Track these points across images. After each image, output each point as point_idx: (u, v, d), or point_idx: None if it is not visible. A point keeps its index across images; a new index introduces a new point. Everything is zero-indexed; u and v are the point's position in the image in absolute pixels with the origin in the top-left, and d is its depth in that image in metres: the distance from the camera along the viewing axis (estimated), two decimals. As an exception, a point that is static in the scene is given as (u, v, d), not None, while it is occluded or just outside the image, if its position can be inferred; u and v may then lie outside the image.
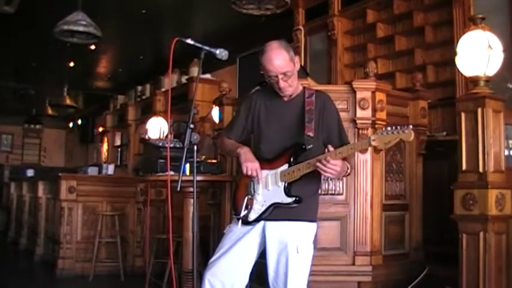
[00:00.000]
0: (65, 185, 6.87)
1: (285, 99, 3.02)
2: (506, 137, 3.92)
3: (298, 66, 2.98)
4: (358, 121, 4.26)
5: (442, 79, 5.58)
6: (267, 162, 2.96)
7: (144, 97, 10.80)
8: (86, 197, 6.96)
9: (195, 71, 9.02)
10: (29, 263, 7.83)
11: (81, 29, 5.66)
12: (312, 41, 7.13)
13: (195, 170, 3.09)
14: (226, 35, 8.16)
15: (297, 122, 2.95)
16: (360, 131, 4.26)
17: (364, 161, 4.27)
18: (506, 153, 3.91)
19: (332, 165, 2.67)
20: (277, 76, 2.88)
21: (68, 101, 11.56)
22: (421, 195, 4.75)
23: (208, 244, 5.43)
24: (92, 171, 8.33)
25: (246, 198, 2.98)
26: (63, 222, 6.82)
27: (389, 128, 2.53)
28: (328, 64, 6.78)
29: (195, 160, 3.01)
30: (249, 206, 2.96)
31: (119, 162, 11.80)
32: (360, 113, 4.27)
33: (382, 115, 4.32)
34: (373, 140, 2.57)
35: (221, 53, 3.25)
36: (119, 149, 12.05)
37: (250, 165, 2.93)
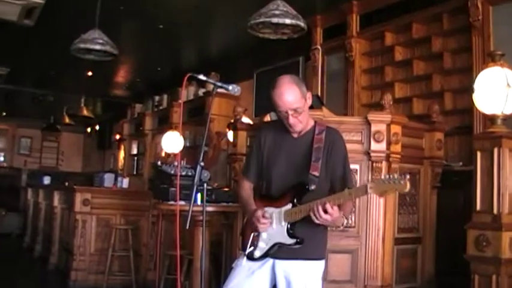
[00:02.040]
0: (79, 198, 6.92)
1: (295, 135, 2.96)
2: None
3: (310, 102, 2.93)
4: (372, 154, 4.22)
5: (459, 107, 5.50)
6: (273, 200, 2.93)
7: (161, 107, 10.84)
8: (100, 210, 7.01)
9: (212, 84, 8.99)
10: (42, 271, 7.89)
11: (97, 47, 5.68)
12: (329, 61, 7.08)
13: (204, 214, 3.07)
14: (244, 50, 8.16)
15: (304, 160, 2.89)
16: (374, 164, 4.22)
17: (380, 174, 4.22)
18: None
19: (328, 214, 2.62)
20: (287, 112, 2.82)
21: (85, 112, 11.65)
22: (434, 227, 4.70)
23: (221, 262, 5.44)
24: (108, 177, 8.39)
25: (252, 235, 2.96)
26: (77, 234, 6.87)
27: (387, 177, 2.48)
28: (345, 86, 6.72)
29: (204, 204, 2.99)
30: (255, 243, 2.95)
31: (135, 171, 11.87)
32: (374, 145, 4.23)
33: (397, 148, 4.27)
34: (370, 188, 2.52)
35: (233, 89, 3.21)
36: (135, 158, 12.11)
37: (260, 226, 2.90)
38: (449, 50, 5.71)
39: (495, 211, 3.61)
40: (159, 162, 5.07)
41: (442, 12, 5.72)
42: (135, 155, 12.20)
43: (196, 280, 4.33)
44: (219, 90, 8.40)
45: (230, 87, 3.21)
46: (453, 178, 4.96)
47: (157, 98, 10.94)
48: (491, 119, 3.81)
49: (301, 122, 2.89)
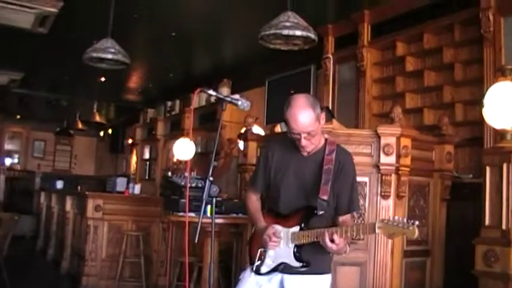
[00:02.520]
0: (91, 203, 6.99)
1: (305, 154, 2.92)
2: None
3: (323, 123, 2.89)
4: (381, 167, 4.22)
5: (470, 118, 5.48)
6: (281, 218, 2.95)
7: (173, 113, 10.90)
8: (111, 216, 7.09)
9: (224, 91, 9.06)
10: (55, 275, 7.98)
11: (109, 56, 5.72)
12: (340, 70, 7.08)
13: (213, 227, 3.10)
14: (256, 57, 8.17)
15: (313, 181, 2.88)
16: (383, 177, 4.22)
17: (387, 207, 4.24)
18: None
19: (334, 244, 2.65)
20: (300, 134, 2.79)
21: (98, 118, 11.74)
22: (443, 240, 4.69)
23: (231, 269, 5.48)
24: (121, 182, 8.47)
25: (260, 251, 2.97)
26: (89, 239, 6.95)
27: (396, 219, 2.49)
28: (356, 95, 6.71)
29: (213, 219, 3.02)
30: (262, 258, 2.97)
31: (147, 176, 11.92)
32: (383, 158, 4.22)
33: (406, 161, 4.27)
34: (379, 228, 2.53)
35: (243, 104, 3.16)
36: (147, 162, 12.17)
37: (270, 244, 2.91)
38: (461, 61, 5.69)
39: (504, 226, 3.60)
40: (169, 173, 5.11)
41: (454, 23, 5.70)
42: (147, 160, 12.27)
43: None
44: (231, 96, 8.44)
45: (239, 103, 3.16)
46: (463, 190, 4.95)
47: (169, 103, 11.01)
48: (501, 134, 3.80)
49: (313, 144, 2.87)
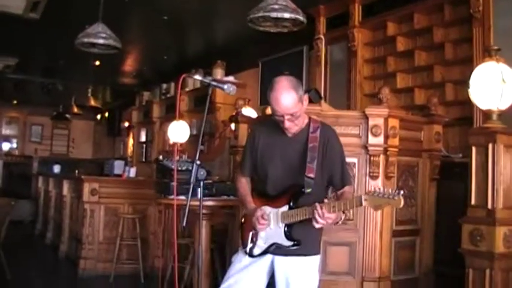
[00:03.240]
0: (87, 187, 7.00)
1: (289, 134, 2.97)
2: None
3: (306, 104, 2.93)
4: (370, 148, 4.26)
5: (460, 98, 5.49)
6: (270, 200, 2.99)
7: (168, 95, 10.90)
8: (108, 199, 7.09)
9: (218, 72, 9.07)
10: (53, 259, 8.02)
11: (101, 41, 5.74)
12: (332, 50, 7.08)
13: (201, 210, 3.14)
14: (249, 38, 8.15)
15: (299, 160, 2.92)
16: (372, 158, 4.27)
17: (375, 187, 4.27)
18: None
19: (326, 218, 2.68)
20: (283, 116, 2.83)
21: (93, 102, 11.75)
22: (433, 219, 4.75)
23: (224, 249, 5.52)
24: (118, 165, 8.49)
25: (251, 233, 3.02)
26: (86, 223, 6.98)
27: (381, 191, 2.52)
28: (347, 76, 6.73)
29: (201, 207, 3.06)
30: (254, 240, 3.01)
31: (143, 159, 11.95)
32: (372, 139, 4.27)
33: (394, 142, 4.32)
34: (365, 200, 2.56)
35: (228, 88, 3.22)
36: (144, 145, 12.20)
37: (259, 226, 2.96)
38: (451, 40, 5.69)
39: (489, 206, 3.63)
40: (160, 157, 5.14)
41: (443, 3, 5.69)
42: (143, 143, 12.29)
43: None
44: (225, 78, 8.48)
45: (225, 87, 3.22)
46: (453, 169, 4.98)
47: (164, 86, 10.98)
48: (486, 114, 3.82)
49: (296, 125, 2.91)
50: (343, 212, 2.79)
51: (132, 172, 8.01)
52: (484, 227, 3.62)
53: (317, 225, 2.72)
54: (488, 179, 3.65)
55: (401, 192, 2.45)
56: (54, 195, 9.34)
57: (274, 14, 4.75)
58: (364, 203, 2.58)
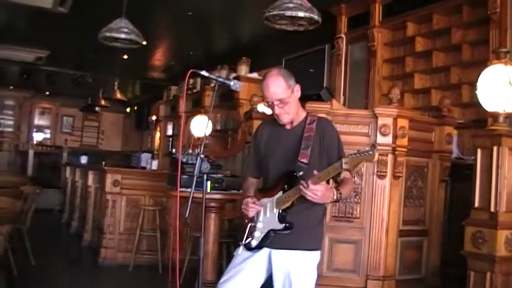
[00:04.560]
0: (110, 178, 7.14)
1: (288, 127, 3.07)
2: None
3: (298, 95, 3.02)
4: (378, 147, 4.24)
5: (476, 100, 5.45)
6: (268, 191, 3.06)
7: (194, 90, 10.99)
8: (129, 191, 7.22)
9: (242, 69, 9.12)
10: (77, 247, 8.22)
11: (123, 36, 5.88)
12: (352, 49, 7.11)
13: (204, 203, 3.23)
14: (273, 36, 8.18)
15: (295, 149, 3.00)
16: (380, 157, 4.26)
17: (382, 186, 4.31)
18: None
19: (312, 190, 2.71)
20: (273, 103, 2.96)
21: (119, 95, 11.92)
22: (441, 220, 4.74)
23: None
24: (145, 157, 8.65)
25: (249, 226, 3.10)
26: (108, 213, 7.12)
27: (360, 150, 2.60)
28: (366, 75, 6.75)
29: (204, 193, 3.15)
30: (252, 233, 3.08)
31: (170, 152, 12.09)
32: (380, 139, 4.30)
33: (403, 142, 4.33)
34: (345, 163, 2.62)
35: (235, 85, 3.32)
36: (170, 139, 12.34)
37: (249, 210, 3.05)
38: (469, 42, 5.67)
39: (492, 209, 3.64)
40: (173, 150, 5.23)
41: (462, 4, 5.68)
42: (170, 136, 12.43)
43: (206, 261, 4.52)
44: (249, 75, 8.50)
45: (232, 83, 3.32)
46: (465, 171, 4.96)
47: (191, 81, 11.08)
48: (493, 117, 3.82)
49: (287, 113, 3.00)
50: (337, 189, 2.85)
51: (154, 165, 8.14)
52: (486, 229, 3.63)
53: (308, 197, 2.74)
54: (492, 181, 3.66)
55: (378, 147, 2.54)
56: (80, 185, 9.52)
57: (288, 13, 4.81)
58: (344, 165, 2.63)
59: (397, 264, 4.42)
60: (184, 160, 4.46)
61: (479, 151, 3.77)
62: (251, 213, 3.04)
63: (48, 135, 17.84)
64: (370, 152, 2.57)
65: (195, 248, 5.98)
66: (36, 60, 10.79)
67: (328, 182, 3.05)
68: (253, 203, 3.02)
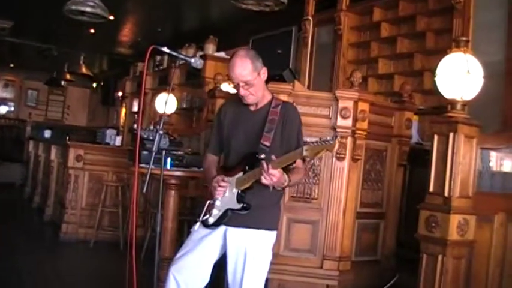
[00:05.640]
0: (72, 153, 7.12)
1: (252, 108, 3.09)
2: (481, 161, 3.94)
3: (264, 77, 3.03)
4: (338, 129, 4.31)
5: (435, 87, 5.55)
6: (229, 170, 3.08)
7: (161, 67, 10.93)
8: (92, 166, 7.21)
9: (210, 48, 9.10)
10: (38, 222, 8.17)
11: (88, 9, 5.81)
12: (319, 32, 7.13)
13: (162, 179, 3.24)
14: (242, 16, 8.18)
15: (258, 131, 3.02)
16: (340, 140, 4.30)
17: (341, 168, 4.36)
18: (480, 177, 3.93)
19: (270, 174, 2.73)
20: (238, 84, 2.96)
21: (84, 70, 11.76)
22: (398, 204, 4.83)
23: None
24: (110, 133, 8.60)
25: (208, 203, 3.12)
26: (69, 188, 7.09)
27: (321, 139, 2.62)
28: (332, 58, 6.78)
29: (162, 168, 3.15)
30: (210, 210, 3.10)
31: (135, 129, 12.01)
32: (340, 121, 4.33)
33: (363, 125, 4.37)
34: (306, 150, 2.64)
35: (196, 62, 3.34)
36: (136, 116, 12.26)
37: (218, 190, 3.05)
38: (433, 30, 5.74)
39: (446, 194, 3.70)
40: (134, 126, 5.20)
41: (428, -9, 5.74)
42: (135, 113, 12.34)
43: (165, 238, 4.54)
44: (216, 54, 8.48)
45: (193, 60, 3.35)
46: (425, 157, 5.05)
47: (158, 58, 11.01)
48: (451, 104, 3.89)
49: (252, 95, 3.00)
50: (288, 176, 2.87)
51: (118, 141, 8.11)
52: (439, 214, 3.68)
53: (264, 181, 2.77)
54: (447, 167, 3.71)
55: (338, 137, 2.53)
56: (43, 160, 9.44)
57: (252, -7, 4.80)
58: (304, 153, 2.66)
59: (353, 246, 4.49)
60: (145, 136, 4.44)
61: (436, 137, 3.82)
62: (220, 193, 3.04)
63: (12, 108, 17.55)
64: (331, 142, 2.59)
65: (156, 224, 6.02)
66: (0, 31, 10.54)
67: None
68: (223, 180, 3.03)
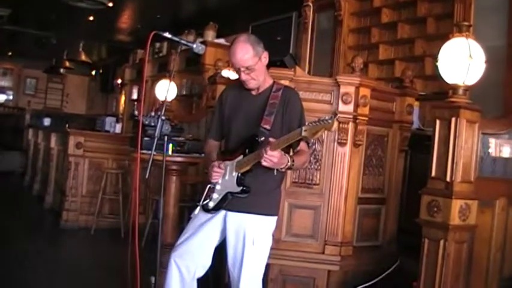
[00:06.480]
0: (72, 141, 7.13)
1: (253, 92, 3.11)
2: (482, 147, 3.94)
3: (265, 62, 3.05)
4: (339, 115, 4.27)
5: (437, 72, 5.54)
6: (229, 154, 3.10)
7: (160, 54, 10.91)
8: (92, 153, 7.24)
9: (209, 34, 9.08)
10: (38, 210, 8.17)
11: (88, -4, 5.76)
12: (319, 18, 7.09)
13: (164, 165, 3.24)
14: (241, 2, 8.18)
15: (259, 115, 3.03)
16: (341, 125, 4.28)
17: (343, 153, 4.33)
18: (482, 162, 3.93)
19: (269, 155, 2.74)
20: (239, 69, 2.98)
21: (83, 57, 11.73)
22: (399, 190, 4.83)
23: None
24: (109, 121, 8.59)
25: (208, 187, 3.14)
26: (70, 175, 7.12)
27: (319, 119, 2.60)
28: (332, 44, 6.76)
29: (164, 157, 3.15)
30: (210, 195, 3.12)
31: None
32: (342, 107, 4.30)
33: (364, 110, 4.35)
34: (304, 131, 2.64)
35: (197, 47, 3.35)
36: (135, 103, 12.25)
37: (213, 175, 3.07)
38: (433, 15, 5.71)
39: (448, 178, 3.71)
40: (135, 112, 5.19)
41: (429, -24, 5.71)
42: (135, 100, 12.34)
43: (166, 224, 4.54)
44: (216, 40, 8.47)
45: (194, 45, 3.35)
46: (426, 142, 5.05)
47: (157, 45, 10.98)
48: (453, 89, 3.88)
49: (254, 79, 3.02)
50: (291, 157, 2.88)
51: (118, 128, 8.10)
52: (441, 198, 3.69)
53: (264, 163, 2.78)
54: (449, 152, 3.71)
55: (337, 116, 2.52)
56: (43, 147, 9.45)
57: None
58: (303, 133, 2.65)
59: (355, 231, 4.48)
60: (146, 122, 4.43)
61: (437, 122, 3.82)
62: (215, 177, 3.06)
63: (11, 97, 17.52)
64: (329, 121, 2.58)
65: (157, 211, 6.03)
66: (-3, 19, 10.48)
67: (288, 151, 3.10)
68: (219, 166, 3.04)
